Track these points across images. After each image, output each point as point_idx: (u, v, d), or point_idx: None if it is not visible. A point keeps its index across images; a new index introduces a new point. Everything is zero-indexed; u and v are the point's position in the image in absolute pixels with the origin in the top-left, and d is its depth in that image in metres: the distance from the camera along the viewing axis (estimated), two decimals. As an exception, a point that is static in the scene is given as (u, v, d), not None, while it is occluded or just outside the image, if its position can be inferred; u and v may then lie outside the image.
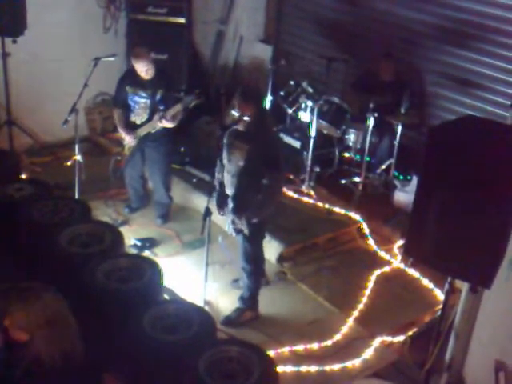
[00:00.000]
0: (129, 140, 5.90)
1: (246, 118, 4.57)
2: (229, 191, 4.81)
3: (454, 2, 6.55)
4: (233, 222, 4.79)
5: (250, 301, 5.04)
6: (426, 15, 6.83)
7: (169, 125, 5.73)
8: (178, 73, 7.31)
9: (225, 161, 4.77)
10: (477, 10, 6.40)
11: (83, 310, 4.11)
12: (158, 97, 5.72)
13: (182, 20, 7.37)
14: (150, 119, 5.78)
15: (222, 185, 4.87)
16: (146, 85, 5.71)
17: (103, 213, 6.14)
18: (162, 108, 5.69)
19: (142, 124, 5.82)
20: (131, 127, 5.86)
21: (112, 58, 5.95)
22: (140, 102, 5.78)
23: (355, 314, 5.17)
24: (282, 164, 4.76)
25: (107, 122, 7.67)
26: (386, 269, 5.78)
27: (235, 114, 4.61)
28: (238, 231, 4.81)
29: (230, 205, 4.78)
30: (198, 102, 5.65)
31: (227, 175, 4.78)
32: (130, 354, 3.80)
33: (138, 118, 5.85)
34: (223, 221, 5.17)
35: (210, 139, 6.75)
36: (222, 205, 4.87)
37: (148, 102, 5.74)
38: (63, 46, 7.00)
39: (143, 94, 5.74)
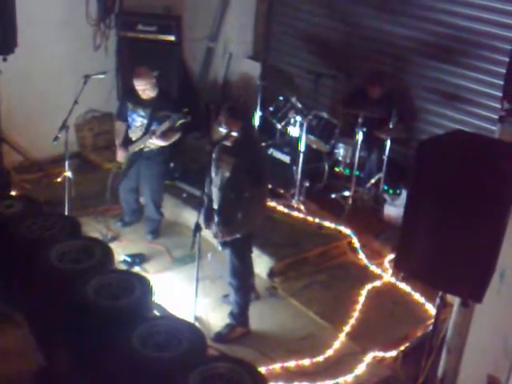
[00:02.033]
0: (119, 156, 5.92)
1: (233, 134, 4.64)
2: (215, 205, 4.84)
3: (441, 18, 6.64)
4: (215, 236, 4.79)
5: (240, 317, 5.03)
6: (414, 31, 6.91)
7: (160, 142, 5.75)
8: (168, 90, 7.32)
9: (212, 174, 4.82)
10: (464, 25, 6.48)
11: (72, 327, 4.09)
12: (155, 118, 5.74)
13: (171, 38, 7.39)
14: (143, 136, 5.80)
15: (210, 199, 4.89)
16: (145, 104, 5.74)
17: (93, 229, 6.12)
18: (153, 128, 5.72)
19: (136, 141, 5.85)
20: (127, 143, 5.90)
21: (102, 76, 5.98)
22: (137, 120, 5.81)
23: (347, 329, 5.16)
24: (265, 179, 4.83)
25: (98, 138, 7.67)
26: (377, 283, 5.78)
27: (222, 130, 4.67)
28: (225, 245, 4.81)
29: (216, 218, 4.80)
30: (185, 121, 5.68)
31: (214, 189, 4.83)
32: (120, 371, 3.76)
33: (134, 135, 5.88)
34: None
35: (199, 154, 6.76)
36: (209, 219, 4.89)
37: (144, 121, 5.77)
38: (53, 63, 7.01)
39: (141, 113, 5.77)
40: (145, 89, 5.67)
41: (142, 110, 5.77)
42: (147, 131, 5.75)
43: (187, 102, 6.63)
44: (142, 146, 5.81)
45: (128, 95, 5.92)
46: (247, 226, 4.78)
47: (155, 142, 5.74)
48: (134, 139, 5.87)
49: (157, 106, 5.72)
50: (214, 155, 4.80)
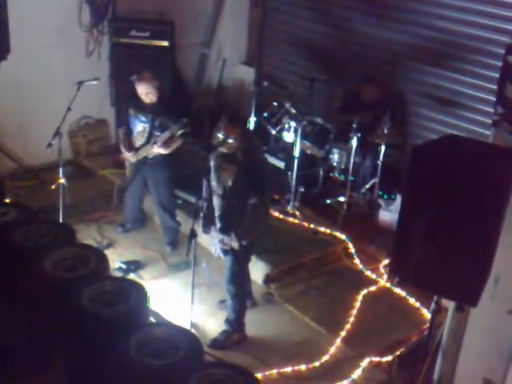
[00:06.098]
0: (129, 156, 5.91)
1: (230, 141, 4.62)
2: (217, 212, 4.82)
3: (435, 23, 6.66)
4: (222, 242, 4.78)
5: (236, 323, 5.02)
6: (407, 36, 6.94)
7: (161, 151, 5.75)
8: (169, 95, 7.33)
9: (213, 183, 4.80)
10: (457, 30, 6.51)
11: (68, 335, 4.08)
12: (156, 123, 5.75)
13: (165, 43, 7.40)
14: (146, 143, 5.81)
15: (209, 206, 4.87)
16: (147, 109, 5.75)
17: (88, 236, 6.11)
18: (157, 134, 5.73)
19: (140, 147, 5.85)
20: (133, 149, 5.90)
21: (95, 82, 5.98)
22: (139, 126, 5.82)
23: (343, 334, 5.17)
24: (268, 187, 4.81)
25: (91, 144, 7.67)
26: (373, 288, 5.78)
27: (220, 136, 4.66)
28: (226, 252, 4.80)
29: (218, 225, 4.79)
30: (185, 131, 5.68)
31: (216, 197, 4.81)
32: (117, 379, 3.75)
33: (136, 141, 5.89)
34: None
35: (193, 160, 6.76)
36: (207, 225, 4.88)
37: (147, 126, 5.78)
38: (46, 69, 6.99)
39: (143, 119, 5.78)
40: (148, 92, 5.66)
41: (143, 115, 5.77)
42: (150, 137, 5.76)
43: (181, 108, 6.62)
44: (145, 154, 5.82)
45: (128, 102, 5.92)
46: (252, 233, 4.77)
47: (157, 151, 5.74)
48: (137, 145, 5.88)
49: (158, 111, 5.73)
50: (213, 162, 4.78)
